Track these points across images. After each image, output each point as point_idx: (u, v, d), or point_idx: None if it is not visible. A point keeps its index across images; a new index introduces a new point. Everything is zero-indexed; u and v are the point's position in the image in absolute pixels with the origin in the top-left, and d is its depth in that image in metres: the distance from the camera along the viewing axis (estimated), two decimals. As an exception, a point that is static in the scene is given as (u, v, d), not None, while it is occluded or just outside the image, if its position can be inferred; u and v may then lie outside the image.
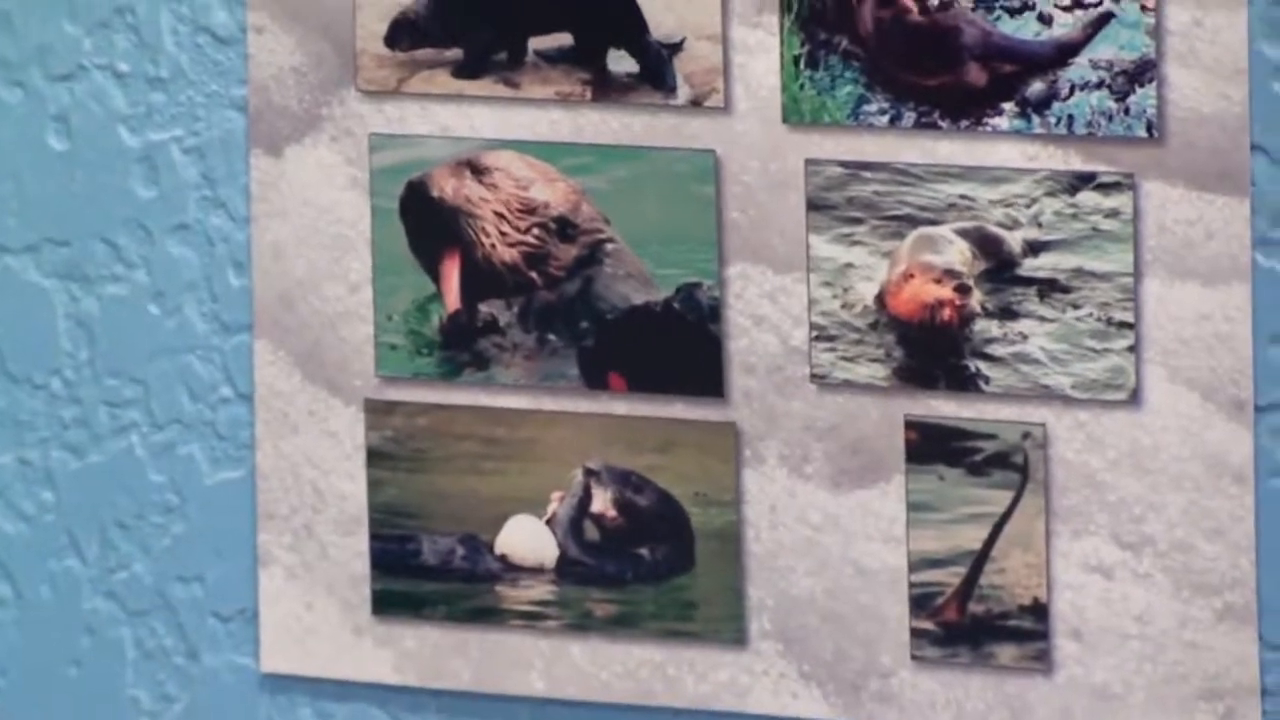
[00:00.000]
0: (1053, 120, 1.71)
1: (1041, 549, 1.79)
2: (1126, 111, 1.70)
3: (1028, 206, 1.72)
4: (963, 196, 1.80)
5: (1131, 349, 1.78)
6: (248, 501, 2.04)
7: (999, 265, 1.72)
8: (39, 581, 2.09)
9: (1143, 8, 1.75)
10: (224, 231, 1.97)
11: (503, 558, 1.79)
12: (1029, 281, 1.74)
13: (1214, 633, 1.89)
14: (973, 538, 1.84)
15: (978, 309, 1.71)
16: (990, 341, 1.74)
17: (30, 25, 2.05)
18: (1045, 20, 1.68)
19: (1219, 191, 1.77)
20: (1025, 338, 1.75)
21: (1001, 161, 1.73)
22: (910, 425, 1.83)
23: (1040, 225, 1.75)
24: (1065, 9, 1.72)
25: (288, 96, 1.87)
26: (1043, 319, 1.73)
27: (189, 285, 2.03)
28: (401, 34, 1.86)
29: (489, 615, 1.84)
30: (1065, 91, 1.73)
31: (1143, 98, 1.75)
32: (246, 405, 1.98)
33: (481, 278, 1.73)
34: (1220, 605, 1.86)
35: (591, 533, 1.80)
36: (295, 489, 1.97)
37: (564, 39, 1.92)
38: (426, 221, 1.74)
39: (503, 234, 1.72)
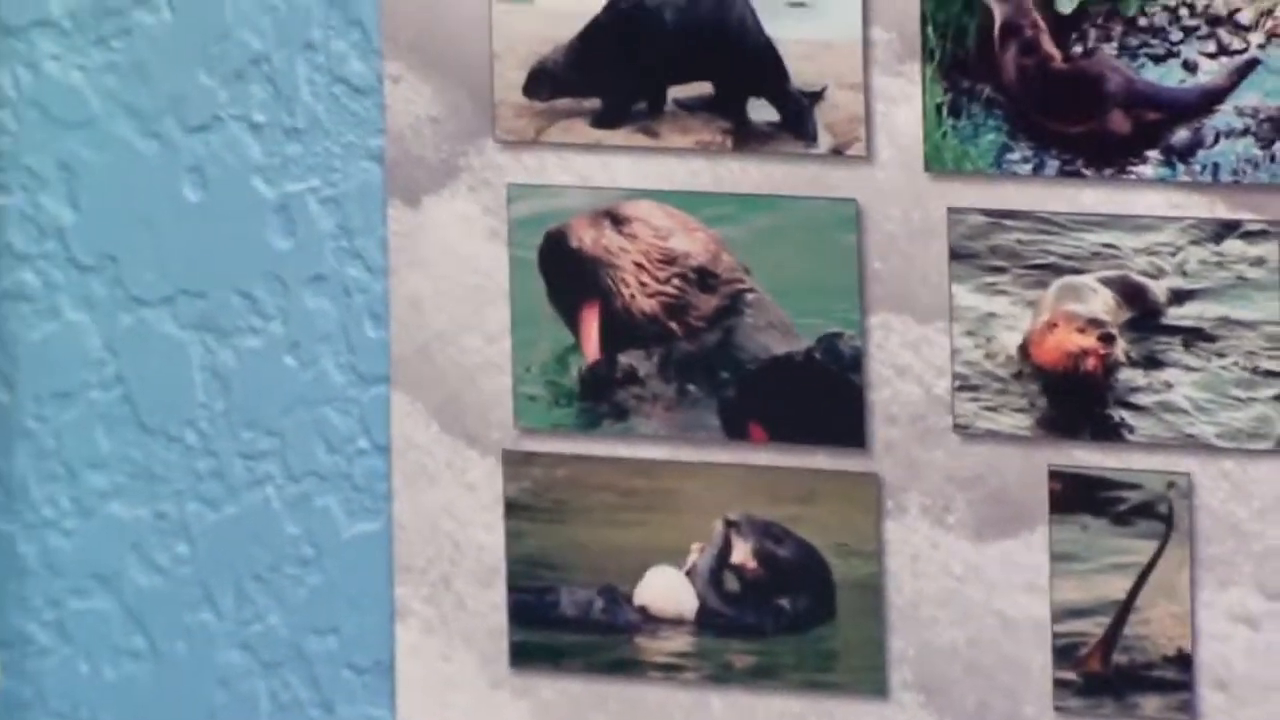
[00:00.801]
0: (1198, 168, 1.69)
1: (1186, 599, 1.78)
2: (1272, 159, 1.68)
3: (1173, 255, 1.70)
4: (1107, 245, 1.79)
5: (1278, 398, 1.76)
6: (384, 554, 2.05)
7: (1144, 314, 1.70)
8: (174, 635, 2.11)
9: None
10: (361, 283, 1.98)
11: (642, 609, 1.79)
12: (1174, 330, 1.72)
13: None
14: (1117, 588, 1.85)
15: (1122, 358, 1.70)
16: (1135, 391, 1.72)
17: (165, 76, 2.09)
18: (1190, 67, 1.67)
19: None
20: (1170, 387, 1.72)
21: (1146, 210, 1.72)
22: (1054, 475, 1.83)
23: (1185, 274, 1.74)
24: (1210, 56, 1.69)
25: (425, 147, 1.87)
26: (1188, 368, 1.72)
27: (325, 337, 2.03)
28: (540, 83, 1.89)
29: (628, 667, 1.84)
30: (1210, 139, 1.71)
31: None
32: (383, 457, 1.98)
33: (621, 328, 1.73)
34: None
35: (732, 584, 1.79)
36: (432, 541, 1.97)
37: (704, 88, 1.92)
38: (565, 272, 1.74)
39: (642, 284, 1.72)
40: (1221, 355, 1.74)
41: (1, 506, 2.22)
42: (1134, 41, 1.69)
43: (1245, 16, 1.73)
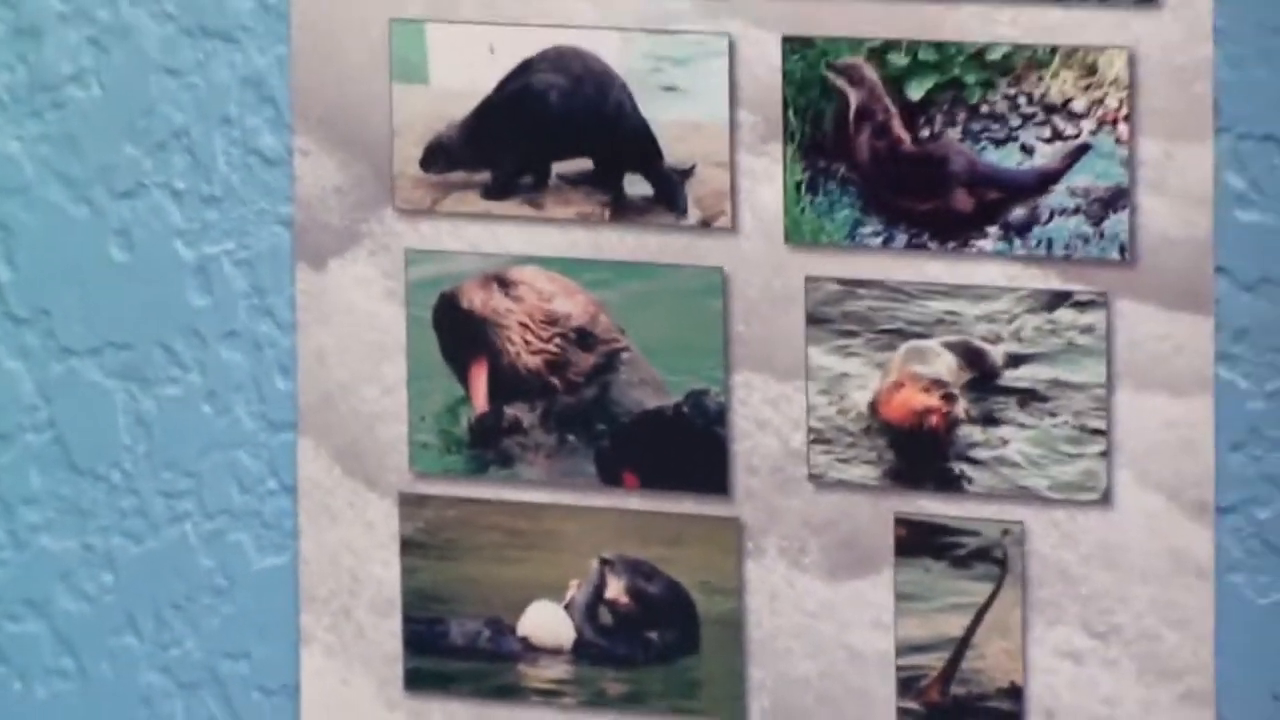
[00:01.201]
0: (1033, 243, 1.67)
1: (1018, 637, 1.75)
2: (1101, 235, 1.66)
3: (1009, 322, 1.67)
4: (949, 312, 1.76)
5: (1103, 454, 1.73)
6: (290, 585, 1.97)
7: (983, 376, 1.67)
8: (100, 657, 2.08)
9: (1117, 140, 1.71)
10: (271, 338, 1.93)
11: (524, 639, 1.75)
12: (1010, 391, 1.69)
13: (1175, 715, 1.81)
14: (955, 625, 1.76)
15: (962, 416, 1.67)
16: (973, 446, 1.69)
17: (95, 147, 2.00)
18: (1027, 151, 1.63)
19: (1185, 310, 1.73)
20: (1005, 443, 1.69)
21: (985, 280, 1.69)
22: (899, 522, 1.78)
23: (1020, 339, 1.71)
24: (1046, 140, 1.68)
25: (330, 214, 1.85)
26: (1022, 425, 1.69)
27: (238, 386, 1.94)
28: (436, 158, 1.83)
29: (512, 692, 1.81)
30: (1045, 217, 1.68)
31: (1116, 223, 1.70)
32: (290, 497, 1.93)
33: (507, 382, 1.68)
34: (1182, 689, 1.81)
35: (606, 617, 1.76)
36: (334, 574, 1.91)
37: (585, 164, 1.82)
38: (457, 330, 1.69)
39: (527, 343, 1.66)
40: (1053, 414, 1.69)
41: (-59, 539, 2.04)
42: (977, 127, 1.65)
43: (1078, 105, 1.67)
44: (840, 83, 1.69)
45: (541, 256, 1.73)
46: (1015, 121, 1.70)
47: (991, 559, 1.71)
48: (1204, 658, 1.74)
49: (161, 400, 1.90)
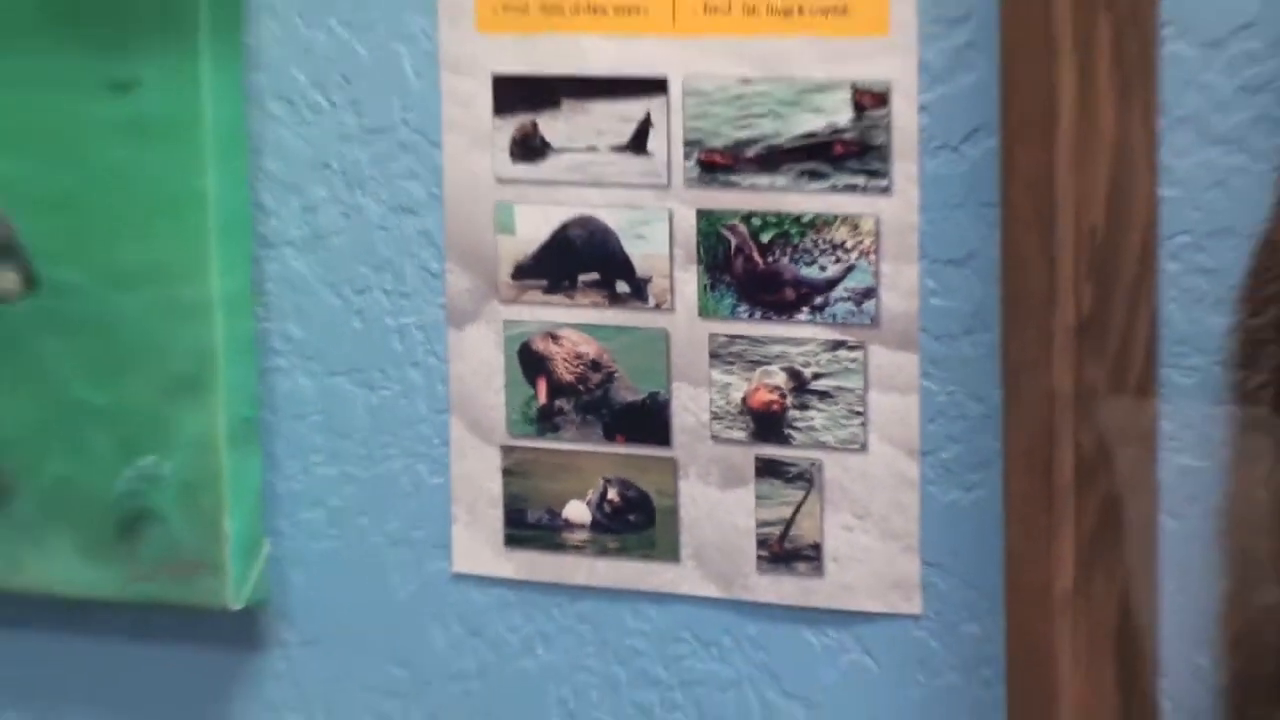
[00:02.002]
0: (827, 316, 1.82)
1: (819, 519, 1.86)
2: (861, 312, 1.81)
3: (815, 356, 1.83)
4: (783, 353, 1.84)
5: (863, 425, 1.83)
6: (446, 494, 1.96)
7: (800, 385, 1.84)
8: (348, 530, 2.02)
9: (869, 263, 1.78)
10: (437, 367, 1.95)
11: (566, 520, 1.92)
12: (814, 392, 1.84)
13: (899, 558, 1.83)
14: (786, 513, 1.86)
15: (790, 406, 1.85)
16: (795, 421, 1.85)
17: (346, 264, 1.96)
18: (823, 268, 1.80)
19: (905, 350, 1.82)
20: (812, 419, 1.84)
21: (802, 335, 1.84)
22: (758, 459, 1.87)
23: (820, 365, 1.84)
24: (834, 263, 1.79)
25: (465, 302, 1.91)
26: (821, 410, 1.84)
27: (420, 391, 1.97)
28: (519, 273, 1.89)
29: (559, 547, 1.94)
30: (833, 302, 1.81)
31: (869, 306, 1.80)
32: (447, 448, 1.96)
33: (555, 389, 1.88)
34: (902, 546, 1.81)
35: (607, 509, 1.92)
36: (469, 488, 1.97)
37: (594, 276, 1.89)
38: (529, 362, 1.87)
39: (565, 368, 1.90)
40: (836, 404, 1.85)
41: None
42: (798, 256, 1.81)
43: (850, 244, 1.78)
44: (726, 233, 1.82)
45: (573, 323, 1.88)
46: (817, 253, 1.80)
47: (805, 479, 1.85)
48: (913, 528, 1.81)
49: (381, 398, 1.98)
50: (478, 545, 1.96)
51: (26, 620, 2.06)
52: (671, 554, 1.89)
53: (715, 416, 1.86)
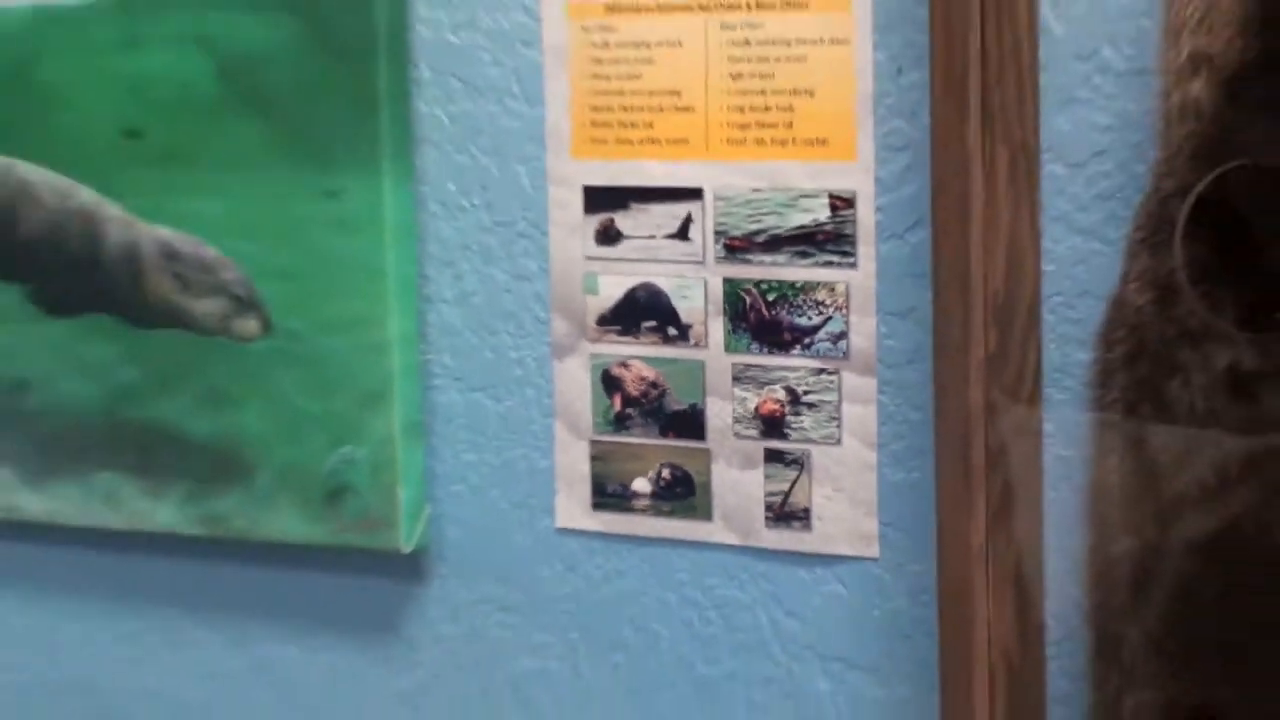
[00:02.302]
0: (813, 351, 1.74)
1: (808, 488, 1.77)
2: (836, 349, 1.74)
3: (804, 379, 1.76)
4: (783, 377, 1.76)
5: (838, 425, 1.75)
6: (551, 473, 1.88)
7: (795, 399, 1.76)
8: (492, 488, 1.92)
9: (842, 316, 1.72)
10: (544, 386, 1.87)
11: (634, 492, 1.83)
12: (806, 404, 1.76)
13: (858, 513, 1.75)
14: (786, 484, 1.77)
15: (789, 413, 1.77)
16: (792, 424, 1.77)
17: (487, 318, 1.88)
18: (810, 318, 1.73)
19: (866, 375, 1.75)
20: (804, 423, 1.76)
21: (795, 364, 1.76)
22: (766, 450, 1.79)
23: (809, 386, 1.76)
24: (817, 314, 1.73)
25: (564, 340, 1.84)
26: (810, 415, 1.76)
27: (534, 404, 1.89)
28: (601, 322, 1.82)
29: (631, 511, 1.85)
30: (816, 342, 1.74)
31: (841, 344, 1.73)
32: (551, 443, 1.88)
33: (627, 402, 1.83)
34: (863, 505, 1.74)
35: (662, 484, 1.81)
36: (568, 470, 1.88)
37: (652, 323, 1.81)
38: (609, 384, 1.83)
39: (635, 386, 1.83)
40: (821, 413, 1.75)
41: None
42: (793, 310, 1.73)
43: (828, 302, 1.70)
44: (743, 294, 1.74)
45: (638, 355, 1.82)
46: (806, 308, 1.72)
47: (799, 463, 1.78)
48: (872, 498, 1.74)
49: (506, 407, 1.91)
50: (573, 508, 1.90)
51: (264, 561, 2.01)
52: (706, 515, 1.84)
53: (736, 420, 1.81)
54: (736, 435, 1.81)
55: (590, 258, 1.81)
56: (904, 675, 1.72)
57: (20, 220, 1.76)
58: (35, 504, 1.92)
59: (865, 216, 1.68)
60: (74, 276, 1.81)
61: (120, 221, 1.76)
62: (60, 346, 1.84)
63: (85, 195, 1.77)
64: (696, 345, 1.79)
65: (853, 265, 1.70)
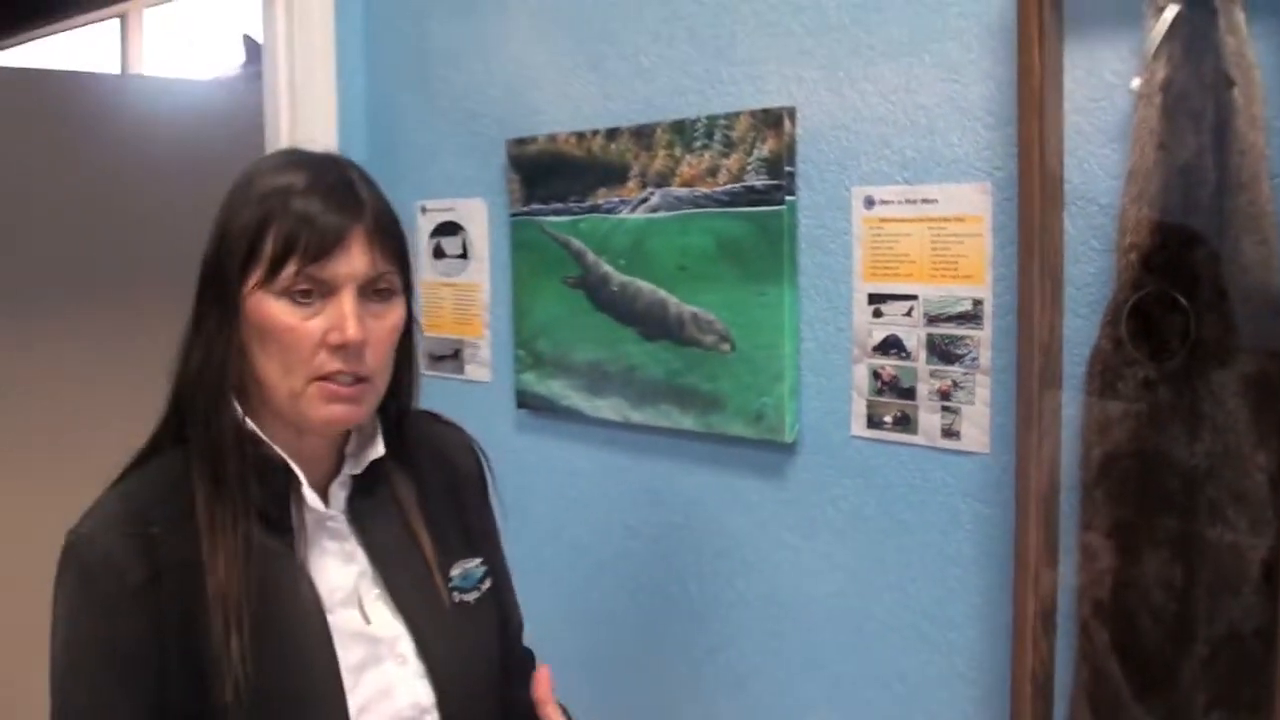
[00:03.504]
0: (963, 363, 2.07)
1: None
2: (974, 364, 2.08)
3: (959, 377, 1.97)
4: None
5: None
6: None
7: (955, 386, 2.02)
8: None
9: (977, 354, 2.04)
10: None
11: None
12: (961, 387, 2.00)
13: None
14: None
15: (952, 391, 1.98)
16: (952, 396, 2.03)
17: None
18: (963, 349, 1.99)
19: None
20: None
21: (953, 370, 2.08)
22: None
23: (959, 383, 2.01)
24: (965, 348, 2.00)
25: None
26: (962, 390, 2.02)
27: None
28: None
29: None
30: (966, 360, 2.05)
31: (978, 362, 2.05)
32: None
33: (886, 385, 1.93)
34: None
35: None
36: None
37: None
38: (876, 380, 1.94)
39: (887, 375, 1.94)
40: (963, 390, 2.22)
41: None
42: (956, 345, 2.01)
43: (970, 341, 1.94)
44: (937, 342, 2.02)
45: (884, 364, 2.12)
46: (961, 346, 1.94)
47: (955, 411, 2.06)
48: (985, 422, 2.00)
49: (837, 384, 2.31)
50: (859, 426, 2.43)
51: (724, 445, 2.63)
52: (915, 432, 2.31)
53: (930, 394, 2.33)
54: (929, 399, 2.43)
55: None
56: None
57: (638, 302, 2.82)
58: (636, 416, 2.90)
59: (987, 307, 2.32)
60: (656, 324, 2.76)
61: (675, 303, 2.72)
62: (650, 354, 2.80)
63: (662, 292, 2.75)
64: (912, 359, 2.35)
65: (980, 328, 2.31)
